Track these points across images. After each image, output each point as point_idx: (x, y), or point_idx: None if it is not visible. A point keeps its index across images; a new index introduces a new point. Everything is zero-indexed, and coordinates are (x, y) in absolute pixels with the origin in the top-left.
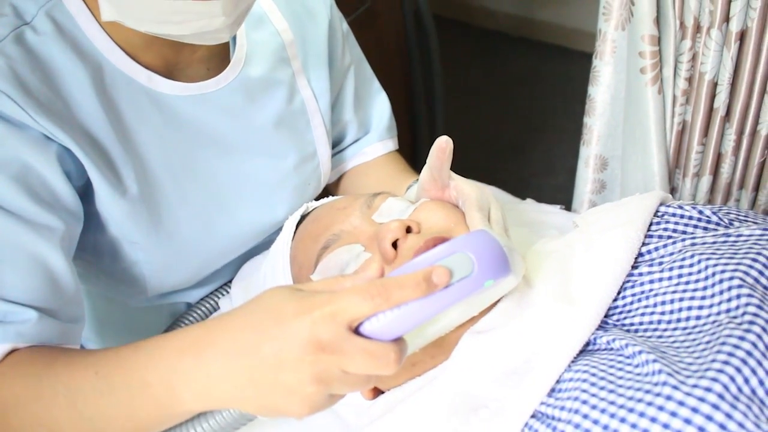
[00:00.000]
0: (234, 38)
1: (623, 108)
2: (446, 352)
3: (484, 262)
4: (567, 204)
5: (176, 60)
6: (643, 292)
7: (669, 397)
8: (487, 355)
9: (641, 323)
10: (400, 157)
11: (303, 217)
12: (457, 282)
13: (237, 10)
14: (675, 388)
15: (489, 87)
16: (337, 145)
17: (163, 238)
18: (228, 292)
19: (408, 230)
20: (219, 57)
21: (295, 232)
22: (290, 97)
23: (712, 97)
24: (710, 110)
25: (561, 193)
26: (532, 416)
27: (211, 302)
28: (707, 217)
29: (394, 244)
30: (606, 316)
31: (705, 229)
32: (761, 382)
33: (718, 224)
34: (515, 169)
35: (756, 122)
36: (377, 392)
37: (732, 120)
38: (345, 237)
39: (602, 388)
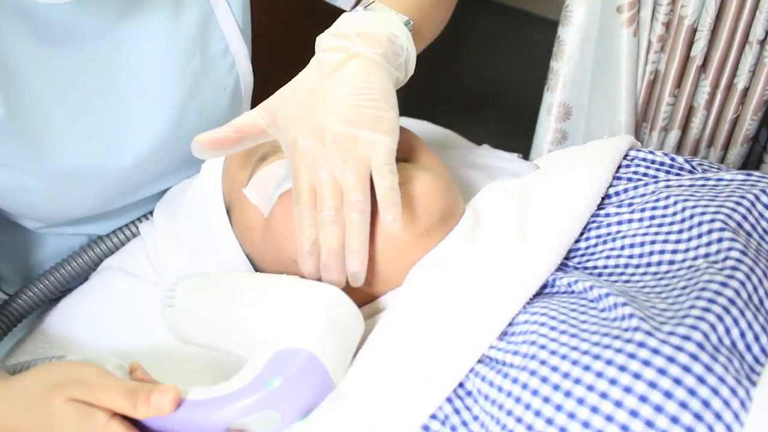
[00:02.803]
0: None
1: (594, 53)
2: (398, 279)
3: (294, 412)
4: (525, 154)
5: None
6: (609, 234)
7: (641, 344)
8: (433, 290)
9: (606, 266)
10: None
11: None
12: None
13: None
14: (648, 334)
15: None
16: None
17: (49, 163)
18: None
19: None
20: None
21: None
22: None
23: (690, 44)
24: (686, 59)
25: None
26: (479, 361)
27: (128, 231)
28: (680, 164)
29: None
30: (566, 258)
31: (678, 175)
32: (742, 334)
33: (691, 172)
34: (471, 132)
35: (733, 75)
36: None
37: (708, 71)
38: None
39: (563, 332)
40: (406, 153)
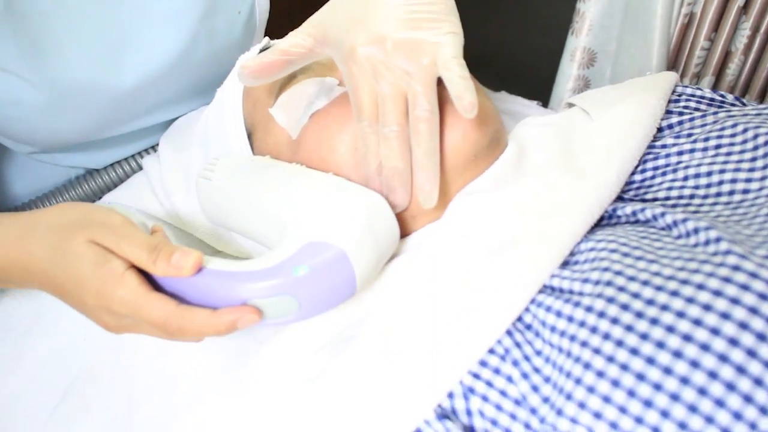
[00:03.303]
0: None
1: None
2: (440, 208)
3: (313, 306)
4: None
5: None
6: (668, 165)
7: (736, 267)
8: (481, 219)
9: (668, 198)
10: None
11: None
12: (268, 320)
13: None
14: (743, 257)
15: None
16: None
17: (48, 72)
18: (154, 151)
19: None
20: None
21: None
22: None
23: None
24: (726, 0)
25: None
26: (540, 291)
27: (128, 166)
28: (731, 101)
29: None
30: (621, 192)
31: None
32: None
33: (743, 107)
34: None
35: None
36: None
37: (750, 13)
38: (316, 69)
39: (639, 258)
40: None
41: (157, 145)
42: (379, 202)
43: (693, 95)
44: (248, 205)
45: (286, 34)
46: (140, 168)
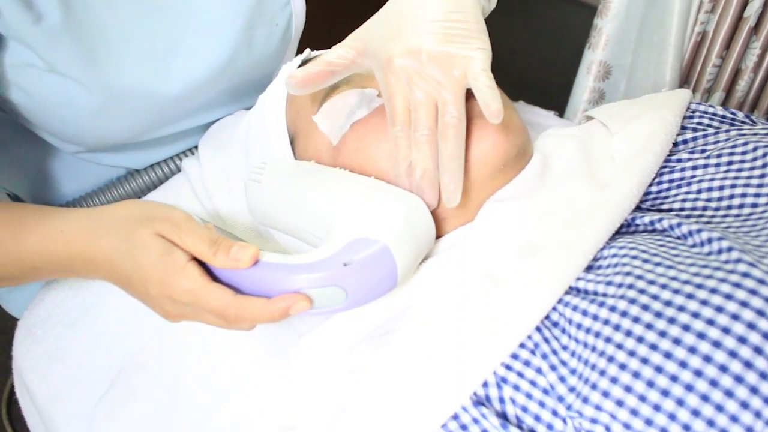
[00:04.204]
0: None
1: (641, 10)
2: (471, 212)
3: (358, 296)
4: (559, 111)
5: None
6: (683, 179)
7: (746, 274)
8: (510, 224)
9: (682, 209)
10: None
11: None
12: (317, 309)
13: None
14: (752, 265)
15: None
16: None
17: (101, 77)
18: (193, 154)
19: None
20: None
21: None
22: None
23: (744, 5)
24: (738, 19)
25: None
26: (567, 292)
27: (167, 168)
28: (741, 119)
29: None
30: (639, 202)
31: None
32: None
33: (753, 125)
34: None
35: None
36: None
37: (760, 32)
38: (357, 80)
39: (658, 264)
40: None
41: (195, 147)
42: (417, 203)
43: (706, 112)
44: (297, 205)
45: (318, 44)
46: (178, 169)
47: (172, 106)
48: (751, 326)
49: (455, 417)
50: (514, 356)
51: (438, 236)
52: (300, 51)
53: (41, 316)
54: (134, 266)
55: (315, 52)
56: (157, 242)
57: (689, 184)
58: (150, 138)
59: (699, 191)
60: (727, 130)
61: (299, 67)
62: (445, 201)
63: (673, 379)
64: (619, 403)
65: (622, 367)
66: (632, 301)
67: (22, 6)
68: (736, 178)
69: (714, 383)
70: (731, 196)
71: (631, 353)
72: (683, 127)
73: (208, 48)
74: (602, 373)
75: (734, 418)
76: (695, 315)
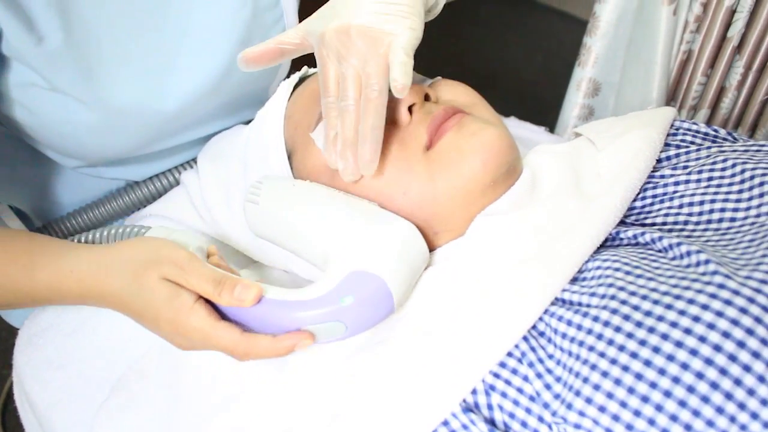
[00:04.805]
0: None
1: (629, 30)
2: (462, 227)
3: (357, 327)
4: (549, 127)
5: None
6: (665, 194)
7: (722, 285)
8: (500, 238)
9: (665, 223)
10: None
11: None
12: (320, 341)
13: None
14: (727, 277)
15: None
16: None
17: (101, 95)
18: (191, 167)
19: (426, 98)
20: None
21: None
22: None
23: (727, 25)
24: (722, 39)
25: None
26: (552, 303)
27: (165, 180)
28: (723, 136)
29: (410, 109)
30: (623, 217)
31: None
32: None
33: (734, 142)
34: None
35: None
36: None
37: (744, 52)
38: None
39: (639, 276)
40: (468, 107)
41: (193, 159)
42: (411, 230)
43: (689, 129)
44: (294, 230)
45: (312, 60)
46: (177, 182)
47: (170, 122)
48: (725, 335)
49: (445, 423)
50: (502, 364)
51: (431, 249)
52: (294, 64)
53: (42, 325)
54: (144, 306)
55: (312, 70)
56: (164, 287)
57: (671, 199)
58: (149, 152)
59: (681, 206)
60: (709, 147)
61: (297, 83)
62: (361, 169)
63: (653, 385)
64: (602, 409)
65: (605, 374)
66: (614, 312)
67: (25, 29)
68: (716, 193)
69: (691, 389)
70: (711, 211)
71: (613, 361)
72: (667, 144)
73: (203, 65)
74: (585, 380)
75: (710, 423)
76: (673, 324)
